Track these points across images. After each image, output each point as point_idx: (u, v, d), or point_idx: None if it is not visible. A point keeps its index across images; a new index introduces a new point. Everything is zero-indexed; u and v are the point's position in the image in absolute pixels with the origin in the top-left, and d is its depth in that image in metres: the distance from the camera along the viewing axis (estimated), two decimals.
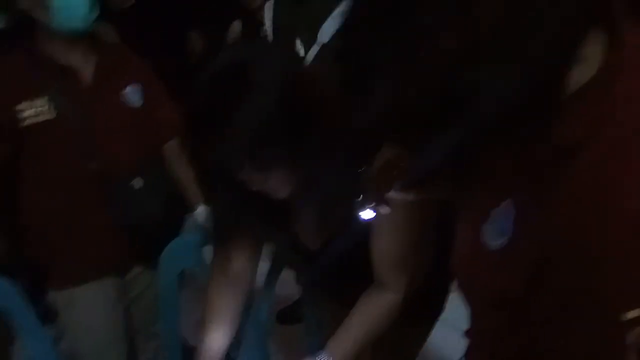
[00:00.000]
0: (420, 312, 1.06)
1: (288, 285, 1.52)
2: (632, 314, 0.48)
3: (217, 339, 1.15)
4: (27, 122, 1.33)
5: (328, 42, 1.61)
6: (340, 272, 1.07)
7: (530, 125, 0.51)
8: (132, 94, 1.48)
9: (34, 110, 1.33)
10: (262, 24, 3.27)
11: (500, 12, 0.44)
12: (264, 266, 1.42)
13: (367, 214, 0.80)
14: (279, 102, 0.82)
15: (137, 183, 1.47)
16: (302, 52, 1.64)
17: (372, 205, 0.77)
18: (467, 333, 0.77)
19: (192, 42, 3.25)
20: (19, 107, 1.32)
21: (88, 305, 1.51)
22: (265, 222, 1.07)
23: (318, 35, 1.62)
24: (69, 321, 1.54)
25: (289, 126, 0.83)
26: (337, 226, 0.97)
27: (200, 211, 1.59)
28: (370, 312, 1.04)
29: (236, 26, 3.26)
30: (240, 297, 1.19)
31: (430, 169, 0.54)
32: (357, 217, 0.94)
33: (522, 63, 0.45)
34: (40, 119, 1.34)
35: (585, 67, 0.51)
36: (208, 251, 1.25)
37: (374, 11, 0.49)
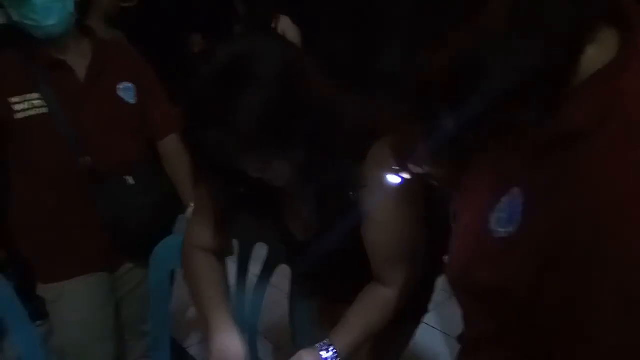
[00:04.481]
0: (405, 310, 1.06)
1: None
2: None
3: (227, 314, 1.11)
4: (19, 116, 1.34)
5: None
6: (330, 267, 1.07)
7: (541, 107, 0.51)
8: (125, 91, 1.48)
9: (27, 104, 1.34)
10: None
11: None
12: (256, 266, 1.43)
13: (393, 179, 0.81)
14: (278, 94, 0.83)
15: (129, 180, 1.47)
16: None
17: (398, 170, 0.78)
18: (460, 338, 0.76)
19: (194, 44, 3.28)
20: (12, 100, 1.33)
21: (76, 300, 1.51)
22: (256, 213, 1.08)
23: None
24: (58, 315, 1.54)
25: (288, 118, 0.84)
26: (331, 216, 0.98)
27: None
28: (370, 308, 1.06)
29: (237, 31, 3.29)
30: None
31: (443, 140, 0.54)
32: (352, 208, 0.96)
33: (538, 38, 0.46)
34: (33, 113, 1.35)
35: (600, 53, 0.51)
36: None
37: None
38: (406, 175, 0.74)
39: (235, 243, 1.37)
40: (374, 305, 1.06)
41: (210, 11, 3.14)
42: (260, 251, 1.41)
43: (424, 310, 1.27)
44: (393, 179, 0.81)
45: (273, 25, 3.32)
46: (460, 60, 0.48)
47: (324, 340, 1.04)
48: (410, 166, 0.67)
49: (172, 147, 1.60)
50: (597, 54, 0.51)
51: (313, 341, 1.05)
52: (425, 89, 0.52)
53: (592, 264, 0.49)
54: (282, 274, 1.39)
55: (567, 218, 0.51)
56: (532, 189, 0.57)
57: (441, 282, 1.23)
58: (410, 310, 1.08)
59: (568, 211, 0.51)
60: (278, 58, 0.85)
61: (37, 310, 1.76)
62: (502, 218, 0.60)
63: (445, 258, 0.76)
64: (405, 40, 0.52)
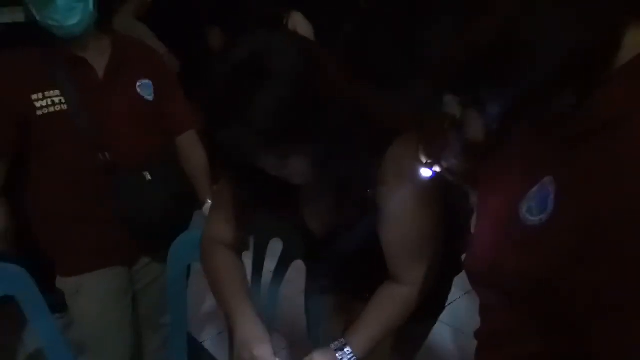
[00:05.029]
0: (420, 310, 1.06)
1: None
2: None
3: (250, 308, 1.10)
4: (40, 112, 1.36)
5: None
6: (346, 264, 1.08)
7: (580, 91, 0.51)
8: (144, 88, 1.50)
9: (47, 101, 1.36)
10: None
11: None
12: (271, 262, 1.44)
13: (425, 172, 0.81)
14: (297, 90, 0.83)
15: (147, 176, 1.49)
16: None
17: (430, 163, 0.78)
18: (477, 334, 0.76)
19: (213, 38, 3.27)
20: (34, 97, 1.36)
21: (94, 293, 1.54)
22: (274, 209, 1.09)
23: None
24: (76, 308, 1.57)
25: (306, 114, 0.84)
26: (349, 213, 0.98)
27: (210, 206, 1.59)
28: (387, 307, 1.06)
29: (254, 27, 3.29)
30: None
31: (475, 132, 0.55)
32: (370, 206, 0.96)
33: (584, 16, 0.47)
34: (53, 109, 1.37)
35: (638, 40, 0.51)
36: None
37: None
38: (434, 169, 0.75)
39: (250, 238, 1.38)
40: (391, 303, 1.06)
41: (229, 4, 3.14)
42: (275, 247, 1.42)
43: (441, 308, 1.27)
44: (421, 172, 0.81)
45: (285, 21, 3.31)
46: (504, 37, 0.48)
47: (340, 337, 1.04)
48: (438, 159, 0.68)
49: (189, 143, 1.61)
50: (635, 41, 0.51)
51: (328, 337, 1.06)
52: (468, 68, 0.52)
53: (630, 252, 0.49)
54: (297, 270, 1.40)
55: (603, 206, 0.51)
56: (566, 177, 0.57)
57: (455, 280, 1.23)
58: (427, 308, 1.08)
59: (604, 199, 0.51)
60: (295, 54, 0.85)
61: (57, 303, 1.79)
62: (534, 206, 0.60)
63: (464, 256, 0.76)
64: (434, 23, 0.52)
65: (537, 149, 0.62)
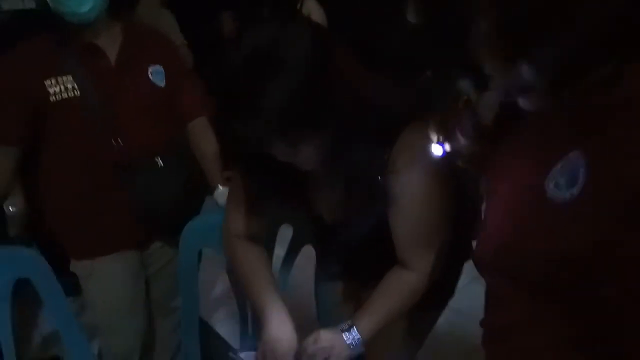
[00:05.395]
0: (430, 295, 1.07)
1: None
2: None
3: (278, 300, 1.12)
4: (53, 98, 1.37)
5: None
6: (355, 251, 1.08)
7: (616, 61, 0.51)
8: (155, 75, 1.50)
9: (60, 87, 1.37)
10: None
11: None
12: (280, 249, 1.45)
13: (436, 150, 0.82)
14: (309, 78, 0.83)
15: (159, 162, 1.50)
16: None
17: (442, 139, 0.79)
18: (482, 323, 0.76)
19: (225, 23, 3.27)
20: (46, 82, 1.37)
21: (107, 276, 1.56)
22: (284, 196, 1.09)
23: None
24: (90, 291, 1.59)
25: (318, 102, 0.84)
26: (359, 200, 0.99)
27: (220, 192, 1.60)
28: (394, 292, 1.07)
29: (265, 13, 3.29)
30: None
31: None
32: (380, 193, 0.96)
33: None
34: (66, 95, 1.38)
35: None
36: None
37: None
38: (445, 148, 0.74)
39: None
40: (398, 289, 1.06)
41: None
42: (285, 233, 1.42)
43: (450, 294, 1.28)
44: (432, 150, 0.82)
45: (298, 6, 3.30)
46: (545, 5, 0.49)
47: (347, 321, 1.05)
48: (449, 140, 0.67)
49: (200, 129, 1.62)
50: None
51: (338, 322, 1.07)
52: (509, 39, 0.52)
53: None
54: (307, 257, 1.41)
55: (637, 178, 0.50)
56: (598, 149, 0.55)
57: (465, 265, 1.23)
58: (437, 293, 1.08)
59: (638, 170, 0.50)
60: (306, 42, 0.85)
61: (71, 286, 1.81)
62: (562, 182, 0.58)
63: (474, 243, 0.76)
64: None
65: (558, 125, 0.61)
